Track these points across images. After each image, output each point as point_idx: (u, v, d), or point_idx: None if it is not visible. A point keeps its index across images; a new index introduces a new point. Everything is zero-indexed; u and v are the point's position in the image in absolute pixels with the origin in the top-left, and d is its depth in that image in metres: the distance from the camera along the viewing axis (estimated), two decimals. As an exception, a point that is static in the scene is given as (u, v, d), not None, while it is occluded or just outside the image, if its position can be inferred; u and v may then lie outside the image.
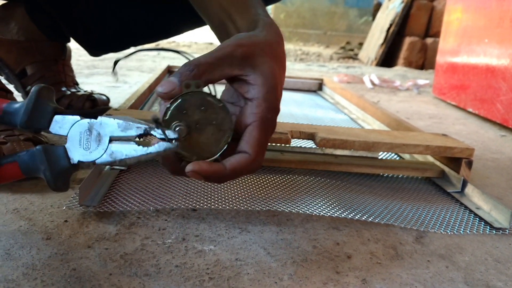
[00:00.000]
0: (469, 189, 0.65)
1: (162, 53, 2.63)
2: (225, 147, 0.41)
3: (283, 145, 0.76)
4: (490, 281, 0.46)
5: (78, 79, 1.02)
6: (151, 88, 1.07)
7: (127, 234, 0.49)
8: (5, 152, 0.58)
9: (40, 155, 0.38)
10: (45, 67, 0.91)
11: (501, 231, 0.57)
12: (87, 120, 0.38)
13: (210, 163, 0.40)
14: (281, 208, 0.56)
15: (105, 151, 0.38)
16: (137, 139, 0.38)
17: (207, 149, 0.41)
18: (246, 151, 0.41)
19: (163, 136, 0.37)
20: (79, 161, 0.38)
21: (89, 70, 1.63)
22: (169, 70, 1.45)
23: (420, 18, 2.97)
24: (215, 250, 0.47)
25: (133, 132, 0.37)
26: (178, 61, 2.15)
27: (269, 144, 0.75)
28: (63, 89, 0.92)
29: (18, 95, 0.92)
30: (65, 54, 0.95)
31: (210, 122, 0.40)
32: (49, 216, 0.51)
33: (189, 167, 0.39)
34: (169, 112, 0.39)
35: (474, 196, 0.64)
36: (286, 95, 1.37)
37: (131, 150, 0.37)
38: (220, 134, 0.41)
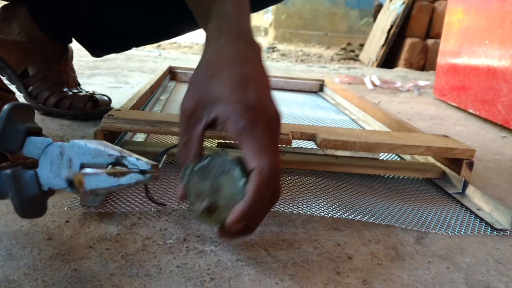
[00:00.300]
0: (470, 190, 0.65)
1: (164, 53, 2.64)
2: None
3: (284, 145, 0.76)
4: (491, 282, 0.46)
5: (80, 80, 1.02)
6: (152, 89, 1.07)
7: (128, 234, 0.49)
8: (7, 153, 0.58)
9: (8, 179, 0.36)
10: (47, 67, 0.91)
11: (502, 232, 0.57)
12: (59, 143, 0.37)
13: (236, 208, 0.40)
14: (282, 208, 0.56)
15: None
16: (109, 166, 0.36)
17: (225, 212, 0.42)
18: (251, 167, 0.40)
19: (135, 167, 0.35)
20: (49, 188, 0.36)
21: (90, 71, 1.63)
22: (170, 71, 1.45)
23: (421, 19, 2.97)
24: (216, 250, 0.47)
25: (104, 159, 0.35)
26: (179, 62, 2.16)
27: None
28: (65, 89, 0.92)
29: (20, 96, 0.92)
30: (67, 55, 0.95)
31: (225, 184, 0.42)
32: (50, 216, 0.51)
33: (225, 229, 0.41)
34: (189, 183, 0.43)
35: (475, 197, 0.64)
36: (287, 96, 1.37)
37: (102, 180, 0.35)
38: (235, 192, 0.41)
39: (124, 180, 0.35)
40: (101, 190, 0.35)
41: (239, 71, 0.43)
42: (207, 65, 0.45)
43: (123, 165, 0.35)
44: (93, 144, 0.36)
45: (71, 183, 0.36)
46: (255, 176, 0.40)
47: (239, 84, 0.42)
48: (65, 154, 0.36)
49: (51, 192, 0.37)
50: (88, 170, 0.35)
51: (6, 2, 0.92)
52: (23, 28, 0.90)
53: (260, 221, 0.45)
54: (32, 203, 0.37)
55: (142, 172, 0.35)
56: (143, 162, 0.35)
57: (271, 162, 0.40)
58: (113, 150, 0.35)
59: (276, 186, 0.43)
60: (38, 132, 0.39)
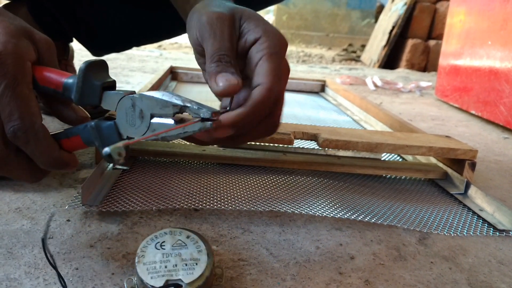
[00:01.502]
0: (472, 191, 0.65)
1: (165, 53, 2.64)
2: None
3: (285, 146, 0.76)
4: (494, 283, 0.46)
5: (81, 79, 1.02)
6: (153, 88, 1.07)
7: (130, 233, 0.48)
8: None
9: (93, 131, 0.40)
10: (48, 67, 0.91)
11: (504, 233, 0.56)
12: (130, 96, 0.39)
13: (230, 112, 0.40)
14: (284, 208, 0.55)
15: (148, 128, 0.39)
16: (174, 116, 0.39)
17: None
18: (259, 83, 0.40)
19: (196, 115, 0.38)
20: (127, 137, 0.40)
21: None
22: (171, 71, 1.45)
23: (423, 20, 2.97)
24: (217, 250, 0.47)
25: (170, 110, 0.38)
26: (180, 62, 2.16)
27: (271, 145, 0.76)
28: (66, 89, 0.92)
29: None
30: (68, 54, 0.95)
31: None
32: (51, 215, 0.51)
33: (212, 132, 0.39)
34: None
35: (477, 198, 0.64)
36: (288, 97, 1.36)
37: (171, 129, 0.38)
38: None
39: (189, 128, 0.38)
40: (171, 137, 0.38)
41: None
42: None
43: (186, 113, 0.39)
44: (159, 96, 0.38)
45: (145, 132, 0.39)
46: (262, 89, 0.40)
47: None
48: (136, 105, 0.39)
49: (130, 139, 0.40)
50: (158, 120, 0.39)
51: (7, 1, 0.92)
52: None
53: (246, 139, 0.45)
54: None
55: (204, 120, 0.38)
56: (205, 110, 0.37)
57: (282, 87, 0.41)
58: (177, 100, 0.38)
59: (276, 114, 0.43)
60: (113, 85, 0.42)
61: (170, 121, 0.38)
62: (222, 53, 0.41)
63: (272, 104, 0.41)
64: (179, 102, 0.38)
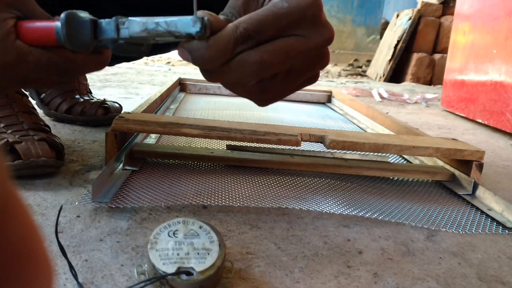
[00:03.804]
0: (480, 191, 0.65)
1: (173, 69, 2.67)
2: None
3: (292, 148, 0.76)
4: (504, 277, 0.45)
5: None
6: (162, 98, 1.09)
7: (139, 228, 0.49)
8: (19, 150, 0.59)
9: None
10: (59, 75, 0.93)
11: (514, 231, 0.56)
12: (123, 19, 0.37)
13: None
14: (292, 205, 0.56)
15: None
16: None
17: None
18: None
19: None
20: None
21: (101, 83, 1.66)
22: (180, 82, 1.47)
23: (428, 34, 2.99)
24: (226, 244, 0.47)
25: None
26: (189, 76, 2.18)
27: (278, 147, 0.76)
28: (77, 96, 0.94)
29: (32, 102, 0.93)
30: (79, 63, 0.97)
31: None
32: (61, 211, 0.52)
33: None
34: None
35: (485, 198, 0.64)
36: (295, 107, 1.37)
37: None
38: None
39: (176, 25, 0.35)
40: (157, 33, 0.36)
41: None
42: None
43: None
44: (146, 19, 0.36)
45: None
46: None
47: None
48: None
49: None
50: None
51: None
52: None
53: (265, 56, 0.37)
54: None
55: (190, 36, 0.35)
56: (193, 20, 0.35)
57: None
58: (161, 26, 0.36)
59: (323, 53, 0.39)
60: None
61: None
62: (229, 10, 0.39)
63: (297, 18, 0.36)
64: (162, 27, 0.35)
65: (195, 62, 0.37)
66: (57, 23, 0.38)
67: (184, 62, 3.59)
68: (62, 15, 0.38)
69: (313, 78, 0.42)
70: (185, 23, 0.35)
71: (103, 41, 0.38)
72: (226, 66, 0.36)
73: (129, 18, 0.37)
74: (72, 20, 0.38)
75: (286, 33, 0.36)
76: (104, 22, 0.38)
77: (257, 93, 0.41)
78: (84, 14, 0.39)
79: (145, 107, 0.85)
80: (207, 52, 0.35)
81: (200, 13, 0.36)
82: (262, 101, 0.41)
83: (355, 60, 4.72)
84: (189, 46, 0.36)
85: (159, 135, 0.83)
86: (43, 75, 0.40)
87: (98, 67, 0.42)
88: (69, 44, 0.38)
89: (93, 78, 1.73)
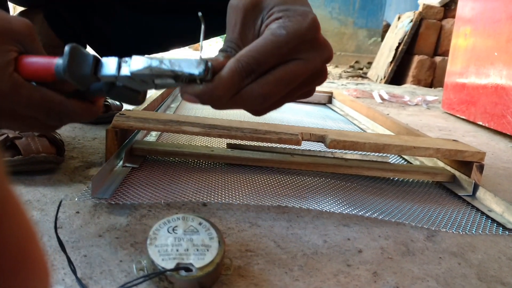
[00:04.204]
0: (480, 192, 0.65)
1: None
2: None
3: (293, 147, 0.76)
4: (504, 278, 0.45)
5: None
6: (163, 96, 1.09)
7: (138, 225, 0.49)
8: (19, 146, 0.58)
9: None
10: (60, 72, 0.93)
11: (514, 232, 0.56)
12: (126, 59, 0.37)
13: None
14: (291, 204, 0.56)
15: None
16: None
17: None
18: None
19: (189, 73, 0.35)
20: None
21: (101, 82, 1.66)
22: (180, 81, 1.46)
23: (429, 37, 2.99)
24: (225, 241, 0.47)
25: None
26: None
27: (278, 146, 0.76)
28: (77, 93, 0.93)
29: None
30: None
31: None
32: (61, 207, 0.51)
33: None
34: None
35: (486, 199, 0.63)
36: (296, 107, 1.37)
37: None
38: None
39: (180, 65, 0.35)
40: (161, 72, 0.35)
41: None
42: None
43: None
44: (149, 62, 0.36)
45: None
46: (276, 27, 0.35)
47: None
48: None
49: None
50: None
51: (23, 9, 0.95)
52: (40, 33, 0.92)
53: (271, 96, 0.37)
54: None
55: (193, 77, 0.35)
56: (197, 65, 0.35)
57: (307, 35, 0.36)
58: (166, 65, 0.35)
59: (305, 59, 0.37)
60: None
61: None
62: (227, 44, 0.39)
63: (292, 46, 0.36)
64: (167, 66, 0.35)
65: (203, 103, 0.37)
66: (58, 59, 0.37)
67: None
68: (66, 47, 0.37)
69: (310, 92, 0.43)
70: (189, 64, 0.35)
71: (102, 79, 0.37)
72: (231, 100, 0.37)
73: (133, 56, 0.37)
74: (75, 52, 0.37)
75: (287, 59, 0.37)
76: (106, 59, 0.38)
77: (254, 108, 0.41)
78: (87, 51, 0.38)
79: (146, 105, 0.85)
80: (215, 92, 0.35)
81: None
82: (257, 113, 0.42)
83: (356, 62, 4.72)
84: (194, 90, 0.35)
85: (159, 132, 0.83)
86: (32, 113, 0.39)
87: (89, 116, 0.41)
88: (69, 75, 0.37)
89: (94, 77, 1.73)
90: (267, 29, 0.37)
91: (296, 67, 0.37)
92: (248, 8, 0.39)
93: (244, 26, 0.39)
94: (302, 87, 0.40)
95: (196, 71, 0.35)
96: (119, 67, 0.37)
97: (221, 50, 0.39)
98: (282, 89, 0.37)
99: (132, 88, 0.38)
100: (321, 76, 0.40)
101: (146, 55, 0.36)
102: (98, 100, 0.42)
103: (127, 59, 0.37)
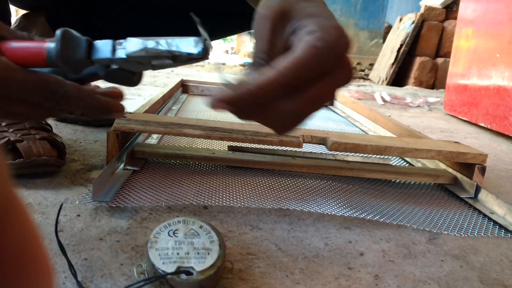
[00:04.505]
0: (482, 195, 0.64)
1: (176, 70, 2.67)
2: None
3: (294, 150, 0.76)
4: (507, 281, 0.45)
5: (93, 88, 1.03)
6: (164, 98, 1.09)
7: (139, 228, 0.49)
8: (20, 149, 0.59)
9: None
10: (61, 74, 0.93)
11: (516, 235, 0.56)
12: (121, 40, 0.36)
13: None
14: (293, 207, 0.55)
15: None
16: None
17: None
18: (310, 31, 0.34)
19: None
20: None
21: (103, 84, 1.66)
22: (182, 84, 1.47)
23: (431, 38, 2.99)
24: (226, 244, 0.46)
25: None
26: (191, 78, 2.18)
27: (280, 148, 0.76)
28: (79, 96, 0.93)
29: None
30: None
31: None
32: (62, 211, 0.51)
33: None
34: None
35: (488, 201, 0.63)
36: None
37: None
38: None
39: (177, 45, 0.34)
40: (157, 53, 0.35)
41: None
42: None
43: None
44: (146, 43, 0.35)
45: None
46: (306, 43, 0.33)
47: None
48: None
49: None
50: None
51: (26, 11, 0.95)
52: (42, 36, 0.92)
53: (292, 114, 0.35)
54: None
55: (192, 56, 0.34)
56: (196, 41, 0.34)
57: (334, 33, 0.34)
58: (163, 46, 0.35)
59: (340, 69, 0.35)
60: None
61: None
62: (257, 56, 0.38)
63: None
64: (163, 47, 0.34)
65: (235, 111, 0.35)
66: (48, 44, 0.36)
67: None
68: (58, 31, 0.36)
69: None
70: (187, 43, 0.34)
71: (96, 62, 0.37)
72: (262, 111, 0.35)
73: (128, 38, 0.36)
74: (67, 37, 0.36)
75: (322, 74, 0.35)
76: (100, 42, 0.37)
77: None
78: (79, 35, 0.37)
79: (147, 107, 0.85)
80: (249, 100, 0.33)
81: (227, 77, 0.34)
82: (282, 130, 0.39)
83: (358, 63, 4.72)
84: (228, 97, 0.34)
85: (160, 135, 0.83)
86: (28, 97, 0.38)
87: (85, 98, 0.39)
88: (62, 61, 0.36)
89: (95, 79, 1.73)
90: (302, 41, 0.35)
91: (328, 86, 0.36)
92: (276, 18, 0.37)
93: (273, 36, 0.38)
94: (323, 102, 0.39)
95: (195, 50, 0.34)
96: (113, 49, 0.36)
97: (253, 64, 0.37)
98: (315, 107, 0.36)
99: (127, 70, 0.37)
100: (339, 90, 0.39)
101: (141, 37, 0.35)
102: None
103: (121, 41, 0.36)
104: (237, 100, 0.33)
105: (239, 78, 0.34)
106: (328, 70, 0.35)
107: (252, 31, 0.37)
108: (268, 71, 0.33)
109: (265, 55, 0.37)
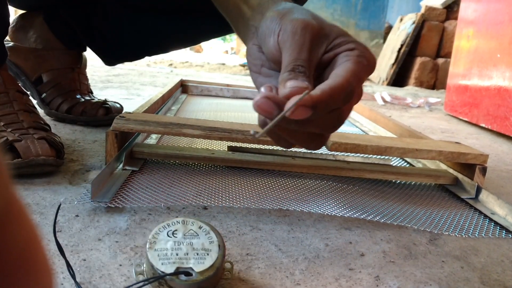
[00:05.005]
0: (483, 195, 0.64)
1: (176, 70, 2.67)
2: None
3: (294, 150, 0.76)
4: (508, 282, 0.45)
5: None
6: (164, 98, 1.08)
7: (138, 228, 0.48)
8: (19, 149, 0.58)
9: None
10: (61, 75, 0.93)
11: (517, 236, 0.55)
12: None
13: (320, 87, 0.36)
14: (293, 207, 0.55)
15: None
16: None
17: None
18: (337, 73, 0.36)
19: None
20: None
21: (103, 84, 1.66)
22: (182, 84, 1.46)
23: (432, 38, 2.98)
24: (225, 245, 0.46)
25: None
26: (191, 78, 2.18)
27: (280, 149, 0.76)
28: (78, 96, 0.93)
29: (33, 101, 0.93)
30: (81, 63, 0.97)
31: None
32: (60, 210, 0.51)
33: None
34: None
35: (489, 202, 0.63)
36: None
37: None
38: None
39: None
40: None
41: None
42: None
43: None
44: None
45: None
46: (342, 76, 0.36)
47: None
48: None
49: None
50: None
51: (23, 11, 0.95)
52: (39, 36, 0.92)
53: (312, 128, 0.38)
54: None
55: None
56: None
57: (353, 85, 0.37)
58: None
59: (345, 109, 0.39)
60: None
61: None
62: (298, 64, 0.38)
63: (345, 97, 0.37)
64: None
65: (315, 113, 0.36)
66: None
67: (187, 64, 3.59)
68: None
69: None
70: None
71: None
72: (325, 117, 0.37)
73: None
74: None
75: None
76: None
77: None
78: None
79: (146, 107, 0.85)
80: (328, 101, 0.35)
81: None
82: (317, 145, 0.42)
83: (358, 64, 4.71)
84: (309, 100, 0.35)
85: (160, 135, 0.82)
86: None
87: None
88: None
89: (95, 79, 1.73)
90: (351, 56, 0.38)
91: (359, 95, 0.39)
92: (316, 32, 0.39)
93: (312, 48, 0.39)
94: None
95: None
96: None
97: (291, 70, 0.38)
98: (346, 118, 0.40)
99: None
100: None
101: None
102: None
103: None
104: (319, 102, 0.35)
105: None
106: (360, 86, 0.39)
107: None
108: (336, 78, 0.36)
109: (305, 63, 0.39)
